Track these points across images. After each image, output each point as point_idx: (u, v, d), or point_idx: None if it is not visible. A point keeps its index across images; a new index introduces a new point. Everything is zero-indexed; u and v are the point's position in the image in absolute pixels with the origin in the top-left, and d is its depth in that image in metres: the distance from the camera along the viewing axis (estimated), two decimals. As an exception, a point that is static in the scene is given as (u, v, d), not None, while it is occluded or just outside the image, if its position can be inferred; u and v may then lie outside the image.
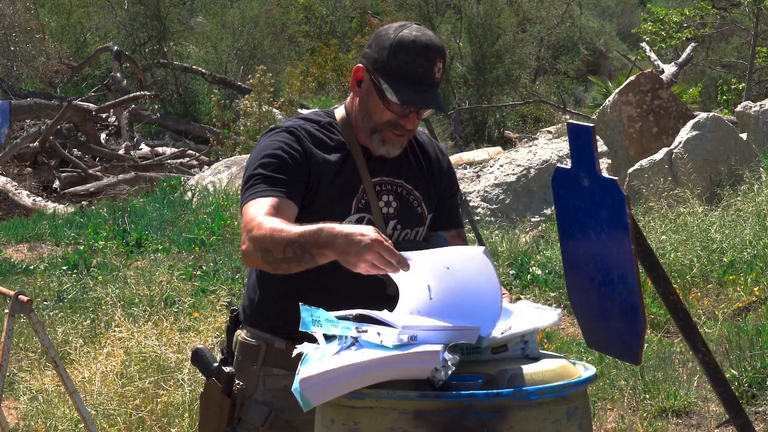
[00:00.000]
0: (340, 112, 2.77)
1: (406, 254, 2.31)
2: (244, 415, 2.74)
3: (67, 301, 7.74)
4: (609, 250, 2.28)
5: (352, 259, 2.31)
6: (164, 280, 7.69)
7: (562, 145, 10.63)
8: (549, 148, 10.65)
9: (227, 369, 2.76)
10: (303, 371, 2.17)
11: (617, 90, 11.74)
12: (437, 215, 2.83)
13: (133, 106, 18.16)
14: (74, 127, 16.99)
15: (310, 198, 2.66)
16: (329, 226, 2.39)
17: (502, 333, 2.27)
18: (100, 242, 9.97)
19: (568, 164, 2.36)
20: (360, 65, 2.68)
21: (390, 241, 2.32)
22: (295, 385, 2.17)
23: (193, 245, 9.58)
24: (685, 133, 10.15)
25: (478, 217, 9.86)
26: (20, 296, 4.32)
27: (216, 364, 2.79)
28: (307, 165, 2.64)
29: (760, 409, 5.33)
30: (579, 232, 2.38)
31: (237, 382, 2.75)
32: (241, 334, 2.81)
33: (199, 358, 2.85)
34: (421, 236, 2.79)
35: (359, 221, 2.67)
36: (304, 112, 16.37)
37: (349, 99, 2.77)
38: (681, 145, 10.03)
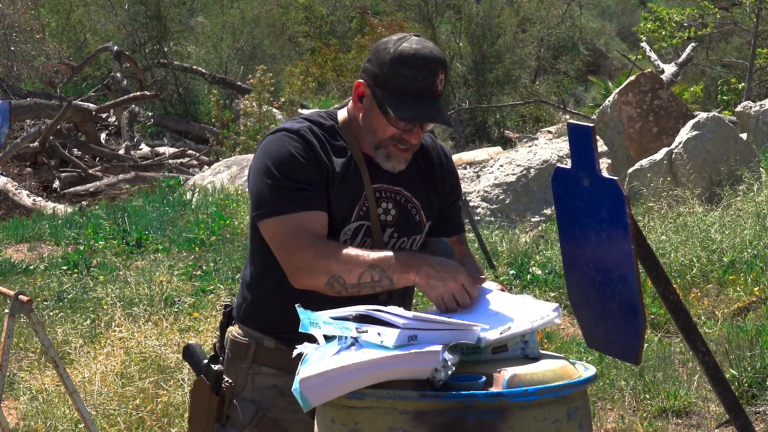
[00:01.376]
0: (342, 115, 2.74)
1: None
2: (232, 413, 2.74)
3: (67, 301, 7.74)
4: (609, 250, 2.28)
5: (437, 283, 2.43)
6: (164, 280, 7.69)
7: (562, 145, 10.63)
8: (549, 148, 10.65)
9: (216, 367, 2.77)
10: (303, 371, 2.17)
11: (617, 90, 11.74)
12: (439, 220, 2.81)
13: (133, 105, 18.16)
14: (74, 127, 16.99)
15: None
16: (408, 253, 2.54)
17: (502, 333, 2.28)
18: (100, 242, 9.97)
19: (568, 164, 2.36)
20: (361, 81, 2.64)
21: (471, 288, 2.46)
22: (295, 385, 2.17)
23: (193, 245, 9.59)
24: (685, 133, 10.15)
25: (478, 217, 9.87)
26: (20, 296, 4.32)
27: (205, 362, 2.79)
28: (320, 170, 2.62)
29: (760, 409, 5.33)
30: (579, 232, 2.38)
31: (226, 379, 2.75)
32: (232, 331, 2.81)
33: (189, 355, 2.85)
34: (418, 244, 2.78)
35: (358, 228, 2.66)
36: (305, 112, 16.36)
37: (351, 104, 2.73)
38: (681, 145, 10.03)
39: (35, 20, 22.37)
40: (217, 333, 2.94)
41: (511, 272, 8.08)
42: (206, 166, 15.12)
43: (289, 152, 2.60)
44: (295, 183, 2.57)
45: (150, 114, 19.58)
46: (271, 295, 2.70)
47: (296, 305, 2.38)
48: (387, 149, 2.64)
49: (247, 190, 11.21)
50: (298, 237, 2.53)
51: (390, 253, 2.50)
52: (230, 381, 2.74)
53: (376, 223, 2.67)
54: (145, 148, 17.78)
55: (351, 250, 2.52)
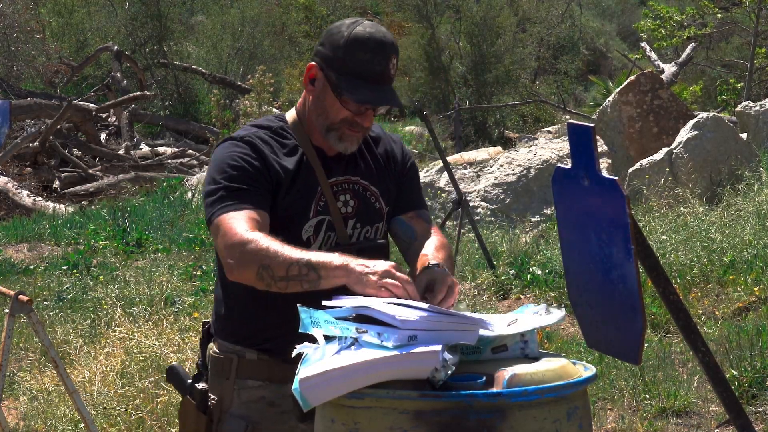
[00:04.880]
0: (291, 115, 2.75)
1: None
2: (222, 430, 2.70)
3: (67, 301, 7.75)
4: (609, 250, 2.27)
5: (362, 287, 2.37)
6: (164, 280, 7.69)
7: (562, 145, 10.63)
8: (549, 148, 10.65)
9: (200, 385, 2.73)
10: (303, 371, 2.17)
11: (617, 90, 11.73)
12: (396, 200, 2.81)
13: (133, 106, 18.16)
14: (74, 127, 16.99)
15: (272, 204, 2.64)
16: (339, 254, 2.45)
17: (508, 325, 2.29)
18: (100, 242, 9.98)
19: (568, 164, 2.35)
20: (313, 63, 2.65)
21: (401, 273, 2.38)
22: (295, 385, 2.17)
23: (193, 245, 9.59)
24: (685, 133, 10.15)
25: (478, 217, 9.86)
26: (20, 296, 4.32)
27: (189, 381, 2.76)
28: (267, 173, 2.62)
29: (760, 409, 5.33)
30: (579, 232, 2.37)
31: (212, 397, 2.72)
32: (213, 347, 2.77)
33: (173, 376, 2.81)
34: (382, 232, 2.77)
35: (319, 224, 2.65)
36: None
37: (300, 101, 2.74)
38: (681, 145, 10.02)
39: (35, 20, 22.38)
40: (198, 351, 2.89)
41: (511, 272, 8.08)
42: (206, 166, 15.12)
43: (231, 158, 2.61)
44: (235, 184, 2.58)
45: (162, 114, 19.54)
46: (245, 306, 2.68)
47: (297, 304, 2.38)
48: (339, 131, 2.65)
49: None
50: (230, 231, 2.52)
51: (323, 252, 2.47)
52: (216, 398, 2.71)
53: (337, 216, 2.67)
54: (145, 148, 17.78)
55: (283, 244, 2.49)
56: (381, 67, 2.59)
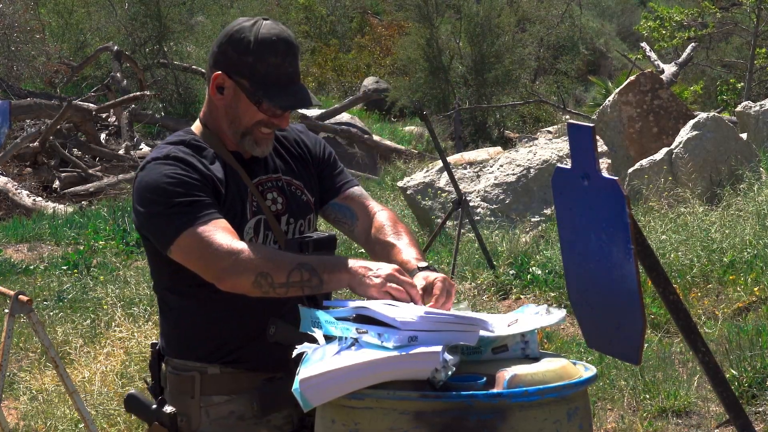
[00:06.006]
0: (196, 126, 2.72)
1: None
2: None
3: (67, 301, 7.75)
4: (609, 250, 2.28)
5: (370, 283, 2.37)
6: (164, 279, 7.68)
7: (562, 145, 10.62)
8: (549, 148, 10.65)
9: (168, 409, 2.64)
10: (303, 371, 2.17)
11: (617, 90, 11.73)
12: (322, 189, 2.81)
13: (133, 106, 18.16)
14: (74, 127, 16.99)
15: None
16: (335, 256, 2.47)
17: (509, 325, 2.29)
18: (100, 242, 9.98)
19: (568, 164, 2.35)
20: (219, 72, 2.60)
21: (405, 276, 2.40)
22: (296, 385, 2.17)
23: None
24: (685, 133, 10.15)
25: (478, 217, 9.86)
26: (20, 296, 4.32)
27: (155, 406, 2.67)
28: (206, 182, 2.58)
29: (760, 409, 5.33)
30: (579, 232, 2.38)
31: (179, 418, 2.64)
32: (168, 368, 2.70)
33: (134, 404, 2.70)
34: (314, 223, 2.78)
35: (257, 224, 2.64)
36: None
37: (204, 110, 2.70)
38: (681, 145, 10.02)
39: (35, 20, 22.37)
40: (149, 374, 2.80)
41: (511, 272, 8.08)
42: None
43: (167, 176, 2.54)
44: (186, 198, 2.51)
45: (159, 117, 19.50)
46: (202, 320, 2.63)
47: (298, 304, 2.38)
48: (253, 135, 2.63)
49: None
50: (214, 241, 2.46)
51: (323, 256, 2.47)
52: (182, 419, 2.65)
53: (269, 215, 2.65)
54: (145, 148, 17.77)
55: (277, 250, 2.49)
56: (293, 68, 2.58)
